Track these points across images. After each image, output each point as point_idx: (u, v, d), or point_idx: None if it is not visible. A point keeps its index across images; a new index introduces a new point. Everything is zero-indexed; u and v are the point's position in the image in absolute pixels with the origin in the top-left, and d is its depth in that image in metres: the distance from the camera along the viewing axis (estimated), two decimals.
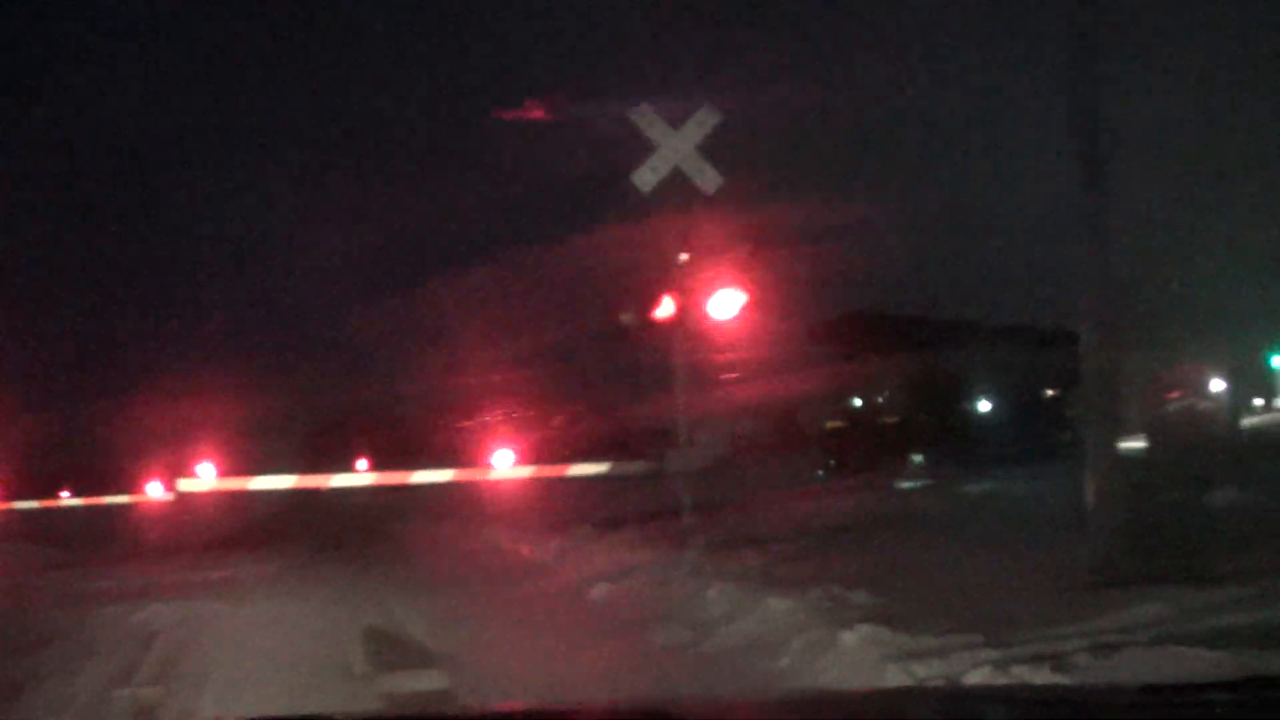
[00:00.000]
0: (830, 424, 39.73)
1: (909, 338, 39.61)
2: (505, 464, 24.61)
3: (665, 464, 18.48)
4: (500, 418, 29.82)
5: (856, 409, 41.40)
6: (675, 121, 17.46)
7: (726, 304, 17.84)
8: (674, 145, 17.35)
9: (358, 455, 32.37)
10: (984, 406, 41.90)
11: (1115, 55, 13.58)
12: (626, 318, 18.79)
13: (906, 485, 29.55)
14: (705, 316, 17.84)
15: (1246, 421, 30.49)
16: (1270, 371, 38.37)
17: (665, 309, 17.78)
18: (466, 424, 30.61)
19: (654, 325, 18.07)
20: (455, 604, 15.97)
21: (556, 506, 24.39)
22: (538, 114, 18.87)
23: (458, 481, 25.35)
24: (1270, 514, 15.33)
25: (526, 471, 24.93)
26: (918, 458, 34.84)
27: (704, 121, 17.47)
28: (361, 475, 29.67)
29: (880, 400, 42.04)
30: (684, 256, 17.71)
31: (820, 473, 35.13)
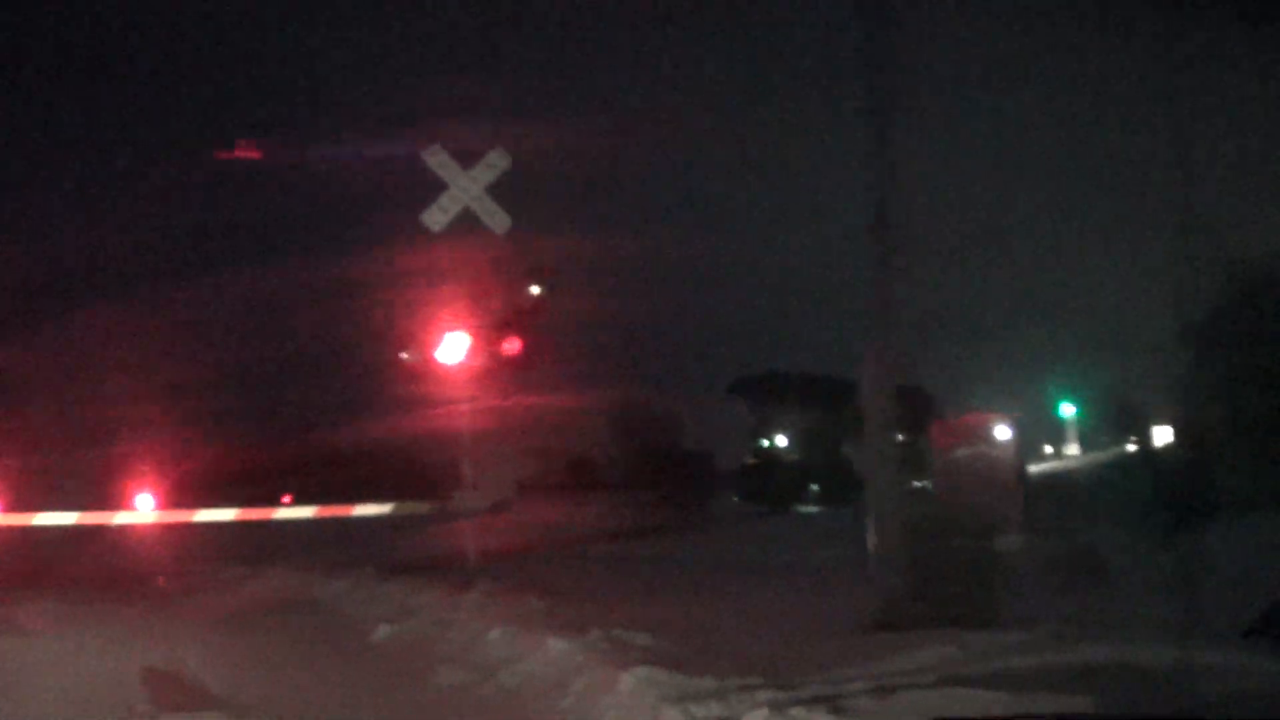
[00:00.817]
0: (749, 460, 43.03)
1: (805, 393, 42.81)
2: (288, 503, 24.17)
3: (451, 505, 18.31)
4: (283, 456, 29.35)
5: (766, 449, 44.69)
6: (467, 162, 17.40)
7: (515, 345, 17.79)
8: (464, 186, 17.29)
9: (140, 491, 31.57)
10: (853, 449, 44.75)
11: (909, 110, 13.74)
12: (408, 356, 18.57)
13: (807, 510, 31.68)
14: (490, 356, 17.76)
15: (1034, 468, 31.16)
16: (1059, 419, 39.42)
17: (451, 348, 17.64)
18: (251, 462, 30.05)
19: (438, 364, 17.93)
20: (238, 644, 15.66)
21: (341, 547, 24.02)
22: (253, 154, 18.70)
23: (242, 520, 24.85)
24: (1053, 558, 15.54)
25: (309, 512, 24.53)
26: (815, 487, 37.72)
27: (495, 163, 17.45)
28: (145, 513, 28.94)
29: (785, 443, 45.49)
30: (472, 296, 17.63)
31: (736, 498, 39.41)
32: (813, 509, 35.47)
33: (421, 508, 21.68)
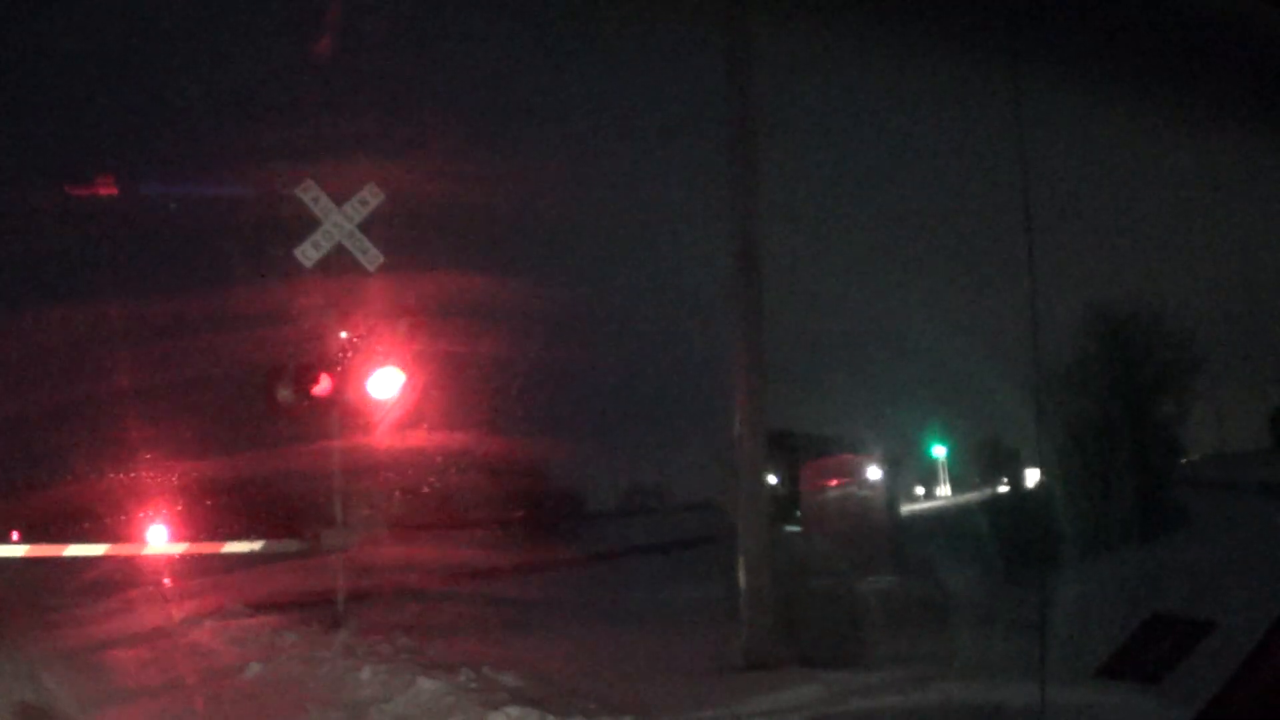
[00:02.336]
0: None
1: (785, 443, 44.37)
2: (159, 539, 23.87)
3: (321, 543, 18.23)
4: (154, 493, 28.96)
5: None
6: (339, 197, 17.40)
7: (386, 383, 17.77)
8: (337, 221, 17.28)
9: (9, 526, 31.08)
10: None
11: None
12: (283, 394, 18.45)
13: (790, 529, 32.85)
14: (364, 394, 17.73)
15: (907, 509, 31.42)
16: (931, 460, 39.66)
17: (324, 386, 17.60)
18: (120, 497, 29.63)
19: (313, 402, 17.87)
20: (109, 681, 15.47)
21: (212, 584, 23.82)
22: (110, 190, 18.60)
23: (111, 556, 24.53)
24: (922, 600, 15.73)
25: (180, 548, 24.26)
26: (798, 513, 39.65)
27: (368, 199, 17.44)
28: (15, 547, 28.51)
29: (775, 480, 47.60)
30: (344, 334, 17.60)
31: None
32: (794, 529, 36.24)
33: (291, 545, 21.54)
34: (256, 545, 22.13)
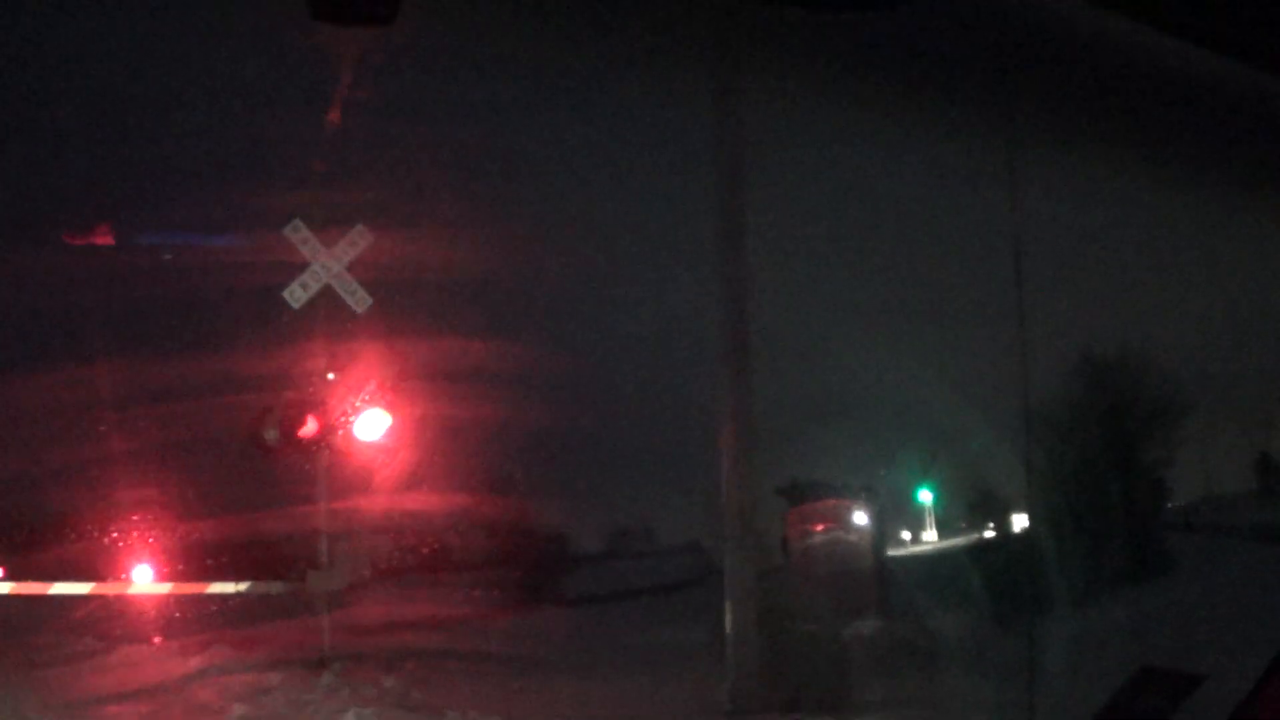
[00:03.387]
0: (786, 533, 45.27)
1: (800, 492, 44.55)
2: (145, 578, 23.78)
3: (307, 584, 18.18)
4: (139, 530, 28.87)
5: None
6: (328, 239, 17.44)
7: (372, 425, 17.77)
8: (326, 263, 17.30)
9: None
10: None
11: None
12: (269, 435, 18.43)
13: None
14: (351, 436, 17.73)
15: (893, 553, 31.41)
16: (917, 505, 39.58)
17: (310, 427, 17.60)
18: (106, 534, 29.55)
19: (299, 443, 17.86)
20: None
21: (195, 624, 23.68)
22: (107, 239, 18.66)
23: (97, 594, 24.44)
24: (908, 644, 15.69)
25: (165, 587, 24.18)
26: None
27: (357, 241, 17.47)
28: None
29: None
30: (331, 375, 17.62)
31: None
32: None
33: (277, 586, 21.49)
34: (242, 586, 22.06)
